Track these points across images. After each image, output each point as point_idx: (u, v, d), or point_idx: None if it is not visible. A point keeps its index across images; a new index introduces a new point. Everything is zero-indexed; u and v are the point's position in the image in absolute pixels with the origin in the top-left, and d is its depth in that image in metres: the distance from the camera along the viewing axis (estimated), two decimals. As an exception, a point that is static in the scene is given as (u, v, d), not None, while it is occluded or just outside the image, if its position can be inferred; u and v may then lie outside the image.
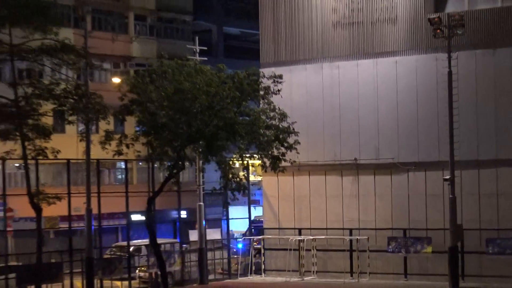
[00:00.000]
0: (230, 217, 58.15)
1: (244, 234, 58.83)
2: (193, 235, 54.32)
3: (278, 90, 50.10)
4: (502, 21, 49.30)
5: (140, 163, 56.09)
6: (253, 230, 58.58)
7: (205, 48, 59.11)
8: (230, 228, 58.82)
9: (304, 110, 53.38)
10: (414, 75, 51.43)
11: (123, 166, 56.17)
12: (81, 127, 49.28)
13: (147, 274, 51.53)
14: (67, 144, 49.83)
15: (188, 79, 47.53)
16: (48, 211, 46.72)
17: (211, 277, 53.02)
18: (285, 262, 53.27)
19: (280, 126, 49.69)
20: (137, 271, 51.79)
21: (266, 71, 51.71)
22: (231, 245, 57.62)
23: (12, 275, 45.58)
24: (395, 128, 51.83)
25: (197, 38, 59.68)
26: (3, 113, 44.96)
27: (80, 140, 47.86)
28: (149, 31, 65.35)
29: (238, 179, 49.99)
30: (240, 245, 57.14)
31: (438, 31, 46.52)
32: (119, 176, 58.32)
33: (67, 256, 48.34)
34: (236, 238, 58.70)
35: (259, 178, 57.68)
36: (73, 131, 52.29)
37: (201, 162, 51.71)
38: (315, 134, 53.38)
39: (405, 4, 51.93)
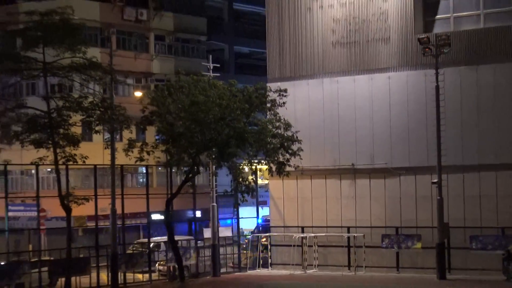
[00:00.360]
0: (240, 216, 57.69)
1: (252, 232, 58.70)
2: (207, 233, 54.29)
3: (283, 103, 50.61)
4: (484, 41, 49.29)
5: (160, 168, 55.90)
6: (260, 227, 58.55)
7: (218, 65, 59.07)
8: (240, 227, 58.58)
9: (307, 120, 53.28)
10: (405, 89, 51.15)
11: (144, 171, 56.85)
12: (107, 136, 49.48)
13: (165, 267, 51.43)
14: (94, 151, 50.21)
15: (203, 93, 47.90)
16: (77, 211, 47.19)
17: (223, 270, 52.87)
18: (290, 256, 53.25)
19: (285, 135, 50.13)
20: (156, 265, 51.65)
21: (273, 85, 52.48)
22: (245, 242, 57.63)
23: (45, 268, 45.37)
24: (388, 137, 51.73)
25: (210, 56, 59.67)
26: (37, 123, 45.16)
27: (106, 148, 48.16)
28: (167, 50, 65.09)
29: (247, 182, 50.72)
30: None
31: (427, 49, 46.74)
32: (141, 180, 58.26)
33: (94, 251, 48.45)
34: (245, 236, 58.59)
35: (266, 182, 57.23)
36: (100, 139, 52.49)
37: (214, 167, 51.73)
38: (317, 142, 53.07)
39: (397, 25, 51.79)
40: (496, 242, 47.19)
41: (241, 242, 57.20)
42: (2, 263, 45.85)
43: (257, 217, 58.87)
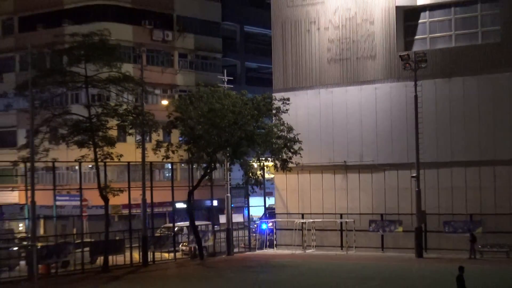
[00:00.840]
0: (250, 205, 57.64)
1: (260, 218, 58.32)
2: (222, 219, 54.73)
3: (286, 110, 51.09)
4: (455, 58, 49.41)
5: (183, 165, 56.61)
6: (267, 214, 57.87)
7: (231, 78, 59.28)
8: (250, 213, 58.25)
9: (306, 124, 52.99)
10: (389, 98, 51.22)
11: (170, 167, 56.19)
12: (138, 137, 49.95)
13: (187, 248, 51.22)
14: (127, 150, 49.48)
15: (219, 102, 48.50)
16: (113, 200, 47.37)
17: (235, 250, 52.84)
18: (292, 238, 53.35)
19: (288, 136, 50.72)
20: (180, 245, 51.35)
21: (277, 95, 52.97)
22: (255, 226, 57.27)
23: (86, 249, 45.65)
24: (374, 138, 51.71)
25: (225, 70, 59.82)
26: (80, 127, 45.49)
27: (137, 147, 49.18)
28: (189, 66, 64.52)
29: (256, 176, 51.19)
30: (264, 226, 56.22)
31: (407, 65, 47.11)
32: (167, 174, 57.95)
33: (128, 234, 48.40)
34: (255, 221, 58.30)
35: (272, 176, 57.13)
36: (132, 140, 52.40)
37: (228, 163, 52.30)
38: (314, 143, 52.84)
39: (382, 45, 51.60)
40: (465, 226, 47.50)
41: (250, 226, 57.17)
42: (52, 244, 46.10)
43: (264, 205, 58.45)
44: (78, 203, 50.56)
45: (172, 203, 53.09)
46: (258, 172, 52.56)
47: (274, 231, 56.16)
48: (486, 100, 48.17)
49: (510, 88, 47.37)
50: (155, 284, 39.45)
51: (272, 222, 56.24)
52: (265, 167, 54.77)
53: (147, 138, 49.42)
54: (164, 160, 50.62)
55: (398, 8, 51.39)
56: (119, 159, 46.04)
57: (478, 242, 46.12)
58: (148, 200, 48.21)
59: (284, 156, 50.50)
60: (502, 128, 47.55)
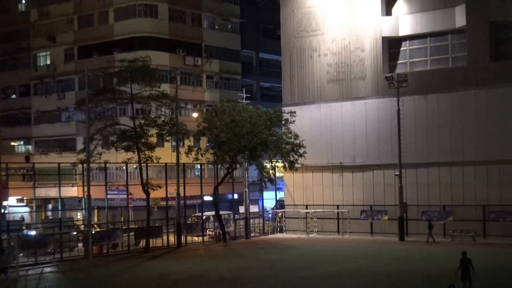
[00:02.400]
0: (264, 198, 57.41)
1: (272, 209, 58.17)
2: (241, 209, 54.82)
3: (293, 121, 51.24)
4: (430, 78, 49.33)
5: (209, 165, 56.08)
6: (278, 206, 58.16)
7: (248, 95, 59.31)
8: (264, 205, 58.01)
9: (309, 132, 52.73)
10: (377, 111, 50.95)
11: (199, 167, 56.58)
12: (174, 143, 49.76)
13: (213, 232, 51.17)
14: (165, 153, 50.25)
15: (239, 114, 48.68)
16: (153, 194, 47.36)
17: (252, 234, 52.61)
18: (297, 225, 53.61)
19: (294, 142, 50.74)
20: (207, 231, 51.22)
21: (286, 109, 53.02)
22: (265, 215, 57.01)
23: (132, 233, 46.01)
24: (365, 144, 51.51)
25: (243, 89, 60.20)
26: (126, 135, 45.74)
27: (173, 151, 48.99)
28: (214, 85, 64.57)
29: (268, 175, 51.48)
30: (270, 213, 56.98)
31: (391, 84, 46.90)
32: (197, 173, 57.65)
33: (165, 221, 48.44)
34: (268, 211, 57.70)
35: (282, 174, 56.79)
36: (169, 145, 52.41)
37: (246, 164, 52.41)
38: (316, 147, 52.49)
39: (370, 68, 51.40)
40: (439, 215, 47.40)
41: (264, 215, 56.98)
42: (104, 229, 46.59)
43: (276, 198, 58.38)
44: (125, 196, 51.00)
45: (201, 196, 53.13)
46: (270, 171, 52.83)
47: (276, 218, 55.93)
48: (455, 112, 47.98)
49: (474, 103, 47.14)
50: (187, 261, 39.47)
51: (282, 211, 55.91)
52: (276, 167, 54.69)
53: (181, 144, 49.08)
54: (194, 162, 50.58)
55: (384, 38, 51.35)
56: (158, 161, 46.24)
57: (434, 229, 45.76)
58: (182, 194, 48.21)
59: (291, 158, 50.54)
60: (468, 135, 47.29)
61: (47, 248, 41.39)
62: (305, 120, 53.38)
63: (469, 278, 23.87)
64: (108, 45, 61.54)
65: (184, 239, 47.86)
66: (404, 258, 38.42)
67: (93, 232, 42.92)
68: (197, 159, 49.06)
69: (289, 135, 50.92)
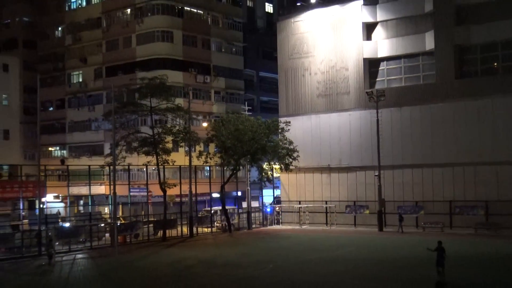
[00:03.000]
0: (263, 195, 57.39)
1: (271, 204, 57.85)
2: (244, 204, 54.87)
3: (288, 129, 51.13)
4: (404, 93, 49.40)
5: (217, 167, 55.76)
6: (275, 201, 57.86)
7: (250, 107, 59.60)
8: (263, 201, 57.56)
9: (301, 139, 52.53)
10: (359, 121, 51.05)
11: (208, 169, 56.43)
12: (186, 148, 49.76)
13: (220, 224, 51.19)
14: (179, 157, 50.10)
15: (242, 124, 48.77)
16: (169, 192, 47.28)
17: (253, 226, 52.40)
18: (292, 218, 53.94)
19: (289, 147, 50.64)
20: (215, 223, 51.22)
21: (282, 119, 53.15)
22: (264, 209, 56.60)
23: (151, 225, 46.16)
24: (349, 149, 51.59)
25: (246, 102, 60.72)
26: (146, 141, 45.82)
27: (186, 155, 49.06)
28: (221, 99, 64.21)
29: (267, 175, 51.57)
30: (268, 209, 56.66)
31: (371, 98, 46.98)
32: (206, 174, 57.21)
33: (179, 215, 48.52)
34: (267, 206, 57.34)
35: (278, 175, 56.88)
36: (182, 150, 52.68)
37: (248, 166, 52.32)
38: (307, 152, 52.43)
39: (354, 85, 51.46)
40: (412, 210, 47.32)
41: (263, 210, 56.61)
42: (127, 222, 46.52)
43: (273, 195, 58.43)
44: (145, 193, 50.75)
45: (210, 194, 53.07)
46: (269, 172, 52.75)
47: (274, 212, 55.95)
48: (424, 122, 48.06)
49: (441, 114, 47.21)
50: (198, 249, 39.40)
51: (279, 206, 55.86)
52: (273, 169, 54.68)
53: (193, 149, 49.05)
54: (204, 164, 50.48)
55: (365, 59, 51.47)
56: (173, 164, 46.37)
57: (405, 221, 45.75)
58: (193, 192, 48.19)
59: (287, 161, 50.48)
60: (437, 141, 47.31)
61: (79, 237, 41.58)
62: (298, 128, 53.31)
63: (443, 264, 23.82)
64: (131, 65, 61.66)
65: (195, 230, 47.85)
66: (382, 246, 38.32)
67: (118, 224, 42.66)
68: (206, 162, 48.98)
69: (285, 141, 50.86)
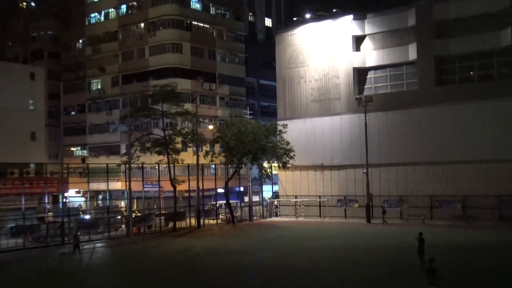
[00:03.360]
0: (263, 190, 57.69)
1: (270, 198, 57.81)
2: (246, 198, 54.74)
3: (285, 131, 51.20)
4: (389, 99, 49.37)
5: (221, 165, 54.92)
6: (274, 196, 57.75)
7: (251, 112, 59.75)
8: (263, 195, 57.82)
9: (297, 140, 52.23)
10: (349, 124, 50.93)
11: (214, 167, 56.19)
12: (194, 149, 49.59)
13: (224, 216, 51.32)
14: (188, 156, 49.95)
15: (244, 126, 48.90)
16: (179, 187, 47.17)
17: (254, 218, 52.30)
18: (289, 211, 53.90)
19: (286, 148, 50.57)
20: (220, 215, 51.20)
21: (280, 122, 53.34)
22: (264, 203, 56.77)
23: (162, 217, 46.04)
24: (340, 149, 51.47)
25: (247, 107, 60.90)
26: (158, 142, 45.80)
27: (194, 155, 48.77)
28: (225, 104, 64.05)
29: (267, 172, 51.61)
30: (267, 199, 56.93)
31: (360, 104, 46.97)
32: (212, 171, 56.93)
33: (188, 208, 48.37)
34: (266, 200, 57.24)
35: (277, 172, 56.48)
36: (190, 150, 52.38)
37: (249, 164, 52.17)
38: (303, 152, 52.08)
39: (344, 91, 51.51)
40: (396, 203, 47.30)
41: (263, 203, 56.82)
42: (141, 214, 46.52)
43: (272, 191, 58.33)
44: (157, 189, 50.70)
45: (215, 189, 53.12)
46: (268, 170, 52.73)
47: (278, 206, 55.67)
48: (408, 125, 48.08)
49: (423, 117, 47.24)
50: (205, 238, 39.51)
51: (277, 201, 55.97)
52: (272, 167, 54.55)
53: (200, 149, 49.05)
54: (210, 162, 50.54)
55: (354, 69, 51.45)
56: (182, 162, 46.39)
57: (387, 213, 45.94)
58: (200, 187, 48.21)
59: (284, 160, 50.38)
60: (418, 142, 47.30)
61: (98, 228, 41.74)
62: (294, 130, 53.30)
63: (423, 253, 24.12)
64: (145, 74, 61.60)
65: (202, 222, 47.89)
66: (370, 236, 38.32)
67: (133, 216, 42.99)
68: (212, 160, 49.05)
69: (282, 142, 50.84)
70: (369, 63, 51.20)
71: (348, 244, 34.24)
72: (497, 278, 22.96)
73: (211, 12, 64.68)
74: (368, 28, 51.38)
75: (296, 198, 53.54)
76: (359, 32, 51.62)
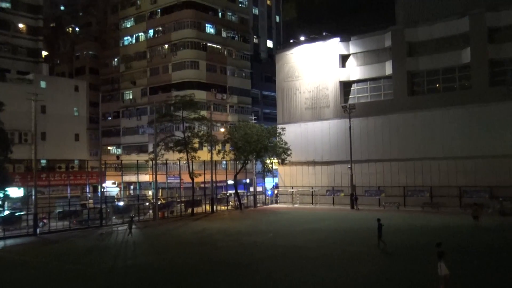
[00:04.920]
0: (265, 182, 57.48)
1: (271, 188, 57.98)
2: (251, 189, 54.87)
3: (284, 133, 51.20)
4: (370, 107, 49.22)
5: (231, 161, 54.81)
6: (274, 186, 58.15)
7: (256, 117, 59.71)
8: (265, 186, 57.58)
9: (293, 141, 52.29)
10: (336, 127, 50.83)
11: (225, 162, 55.38)
12: (209, 148, 49.46)
13: (233, 203, 50.96)
14: (203, 154, 50.05)
15: (249, 130, 48.92)
16: (196, 180, 47.40)
17: (258, 205, 52.31)
18: (286, 199, 53.79)
19: (284, 147, 50.57)
20: (230, 202, 51.00)
21: (279, 126, 53.22)
22: (266, 192, 57.05)
23: (183, 204, 46.06)
24: (328, 148, 51.32)
25: (252, 113, 61.11)
26: (179, 143, 45.94)
27: (208, 153, 48.83)
28: (234, 111, 63.58)
29: (268, 167, 51.73)
30: (269, 192, 57.05)
31: (345, 111, 46.81)
32: (223, 166, 56.29)
33: (203, 197, 48.29)
34: (268, 190, 57.53)
35: (276, 167, 56.29)
36: (206, 149, 52.44)
37: (254, 161, 52.11)
38: (298, 150, 52.23)
39: (333, 100, 51.47)
40: (375, 193, 47.31)
41: (265, 192, 56.86)
42: (165, 202, 46.36)
43: (273, 182, 58.25)
44: (178, 181, 50.74)
45: (226, 181, 53.32)
46: (269, 165, 52.84)
47: (278, 195, 55.67)
48: (385, 128, 47.96)
49: (397, 121, 47.13)
50: (217, 221, 39.43)
51: (276, 190, 55.87)
52: (273, 163, 54.44)
53: (213, 148, 49.03)
54: (222, 159, 50.53)
55: (340, 82, 51.39)
56: (199, 159, 46.70)
57: (359, 200, 45.86)
58: (214, 179, 48.14)
59: (283, 157, 50.43)
60: (393, 142, 47.18)
61: (130, 213, 41.41)
62: (291, 133, 53.26)
63: (380, 235, 24.08)
64: (168, 86, 61.59)
65: (215, 208, 47.90)
66: (353, 219, 38.10)
67: (158, 203, 43.06)
68: (223, 157, 49.07)
69: (281, 142, 50.89)
70: (353, 77, 51.09)
71: (336, 226, 34.12)
72: (424, 255, 22.45)
73: (223, 35, 64.57)
74: (352, 48, 51.27)
75: (292, 188, 53.49)
76: (344, 52, 51.52)
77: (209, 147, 49.60)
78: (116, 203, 45.74)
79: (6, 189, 34.98)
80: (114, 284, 19.07)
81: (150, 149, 54.61)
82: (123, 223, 39.08)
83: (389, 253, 23.21)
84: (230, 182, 53.91)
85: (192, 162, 46.46)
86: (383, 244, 23.90)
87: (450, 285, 15.13)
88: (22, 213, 36.75)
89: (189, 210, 45.49)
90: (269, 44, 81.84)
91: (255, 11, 79.48)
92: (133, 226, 32.67)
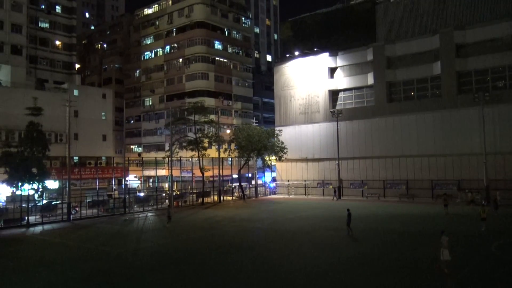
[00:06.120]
0: (265, 175, 57.45)
1: (271, 181, 57.46)
2: (253, 182, 54.31)
3: (281, 135, 50.96)
4: (354, 112, 48.93)
5: (236, 158, 54.80)
6: (273, 180, 57.34)
7: (257, 121, 59.60)
8: (265, 179, 57.50)
9: (289, 141, 52.03)
10: (326, 130, 50.37)
11: (230, 159, 54.37)
12: (217, 147, 48.97)
13: (238, 194, 50.49)
14: (212, 152, 49.57)
15: (251, 131, 48.62)
16: (206, 174, 46.97)
17: (259, 195, 51.71)
18: (283, 190, 53.36)
19: (281, 146, 50.26)
20: (234, 193, 50.11)
21: (277, 128, 52.92)
22: (267, 185, 56.56)
23: (194, 195, 45.78)
24: (319, 147, 50.82)
25: (254, 117, 60.80)
26: (192, 142, 45.40)
27: (216, 151, 48.47)
28: (239, 116, 63.31)
29: (268, 163, 51.27)
30: (271, 185, 56.35)
31: (333, 115, 46.89)
32: (229, 162, 54.63)
33: (212, 188, 47.71)
34: (268, 183, 57.09)
35: (274, 163, 56.27)
36: (214, 148, 52.13)
37: (255, 157, 51.85)
38: (293, 149, 51.91)
39: (323, 106, 51.11)
40: (359, 185, 46.92)
41: (265, 185, 56.29)
42: (179, 193, 46.18)
43: (271, 176, 57.82)
44: (190, 174, 50.32)
45: (231, 175, 53.09)
46: (268, 162, 52.60)
47: (277, 187, 55.08)
48: (367, 130, 47.63)
49: (378, 125, 46.83)
50: (224, 210, 39.21)
51: (274, 183, 55.61)
52: (271, 159, 54.11)
53: (220, 147, 48.71)
54: (228, 156, 50.39)
55: (329, 90, 51.08)
56: (208, 156, 46.11)
57: (341, 192, 45.68)
58: (221, 174, 47.89)
59: (280, 155, 50.16)
60: (375, 142, 46.89)
61: (149, 202, 41.54)
62: (287, 134, 53.04)
63: (349, 223, 23.93)
64: (182, 94, 61.51)
65: (222, 198, 47.61)
66: (340, 208, 37.52)
67: (174, 194, 42.72)
68: (229, 155, 49.12)
69: (279, 142, 50.66)
70: (340, 87, 50.83)
71: (325, 214, 33.94)
72: (402, 239, 22.33)
73: (229, 51, 64.38)
74: (339, 62, 51.05)
75: (288, 181, 53.27)
76: (333, 65, 51.29)
77: (217, 146, 49.30)
78: (138, 194, 45.57)
79: (45, 181, 34.95)
80: (141, 263, 19.03)
81: (167, 147, 54.25)
82: (143, 211, 39.05)
83: (355, 239, 22.94)
84: (235, 176, 53.48)
85: (202, 159, 46.20)
86: (350, 231, 23.78)
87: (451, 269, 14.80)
88: (57, 202, 36.71)
89: (200, 200, 45.30)
90: (268, 58, 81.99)
91: (257, 30, 79.53)
92: (170, 214, 32.33)
